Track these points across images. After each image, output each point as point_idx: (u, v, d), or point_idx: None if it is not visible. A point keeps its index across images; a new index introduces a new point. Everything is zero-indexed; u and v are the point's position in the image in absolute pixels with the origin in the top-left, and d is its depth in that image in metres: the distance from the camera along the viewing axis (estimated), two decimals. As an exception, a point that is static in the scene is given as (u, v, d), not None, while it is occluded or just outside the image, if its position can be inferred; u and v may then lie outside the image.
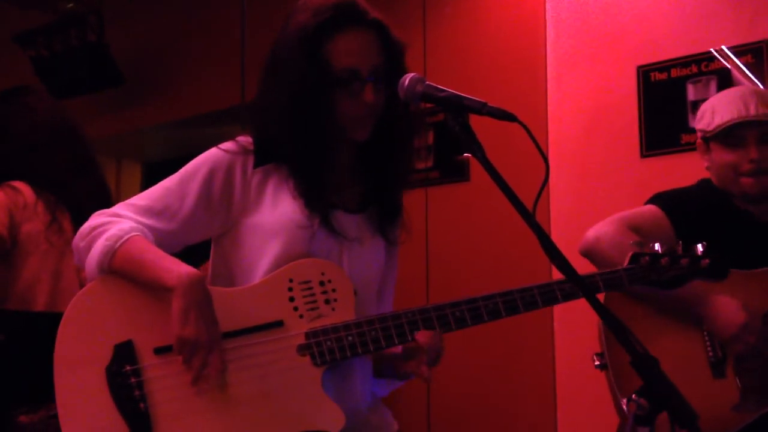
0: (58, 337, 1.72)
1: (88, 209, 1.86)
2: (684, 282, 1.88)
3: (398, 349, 1.85)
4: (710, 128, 2.52)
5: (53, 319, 1.74)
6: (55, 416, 1.71)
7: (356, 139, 1.83)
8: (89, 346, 1.71)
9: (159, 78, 5.73)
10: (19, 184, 2.56)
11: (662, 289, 1.89)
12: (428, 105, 1.68)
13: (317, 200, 1.79)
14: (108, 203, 1.92)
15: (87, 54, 5.38)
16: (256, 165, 1.82)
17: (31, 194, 2.55)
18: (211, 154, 1.83)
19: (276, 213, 1.79)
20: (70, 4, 5.49)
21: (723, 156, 2.52)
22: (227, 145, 1.83)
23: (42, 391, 1.75)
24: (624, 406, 2.23)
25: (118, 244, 1.71)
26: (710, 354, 2.36)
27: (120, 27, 5.55)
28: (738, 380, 2.33)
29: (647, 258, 1.85)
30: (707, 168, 2.60)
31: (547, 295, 1.79)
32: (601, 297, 2.06)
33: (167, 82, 5.70)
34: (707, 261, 1.87)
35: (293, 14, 1.81)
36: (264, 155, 1.82)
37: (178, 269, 1.67)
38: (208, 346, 1.66)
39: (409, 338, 1.75)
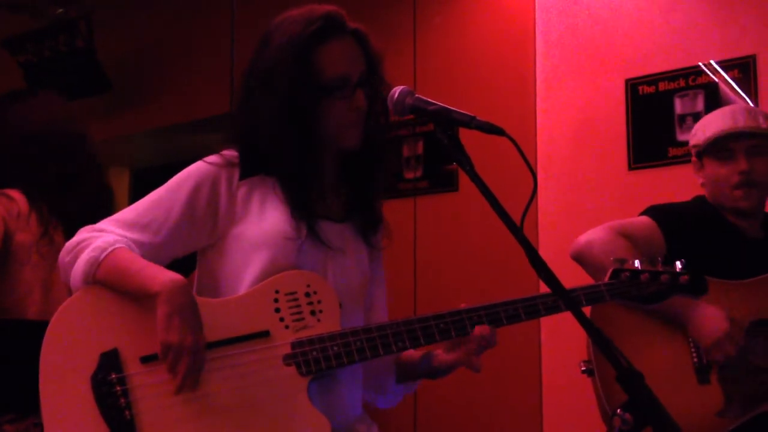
0: (43, 345, 1.71)
1: (82, 222, 1.83)
2: (665, 297, 1.89)
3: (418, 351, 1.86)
4: (701, 142, 2.57)
5: (43, 328, 1.73)
6: (41, 425, 1.70)
7: (346, 148, 1.84)
8: (75, 354, 1.71)
9: (147, 84, 5.73)
10: (14, 193, 2.49)
11: (644, 304, 1.91)
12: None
13: (304, 209, 1.80)
14: (106, 214, 1.87)
15: (75, 60, 5.37)
16: (241, 177, 1.82)
17: (25, 204, 2.48)
18: (196, 167, 1.83)
19: (262, 225, 1.80)
20: (60, 10, 5.48)
21: (715, 170, 2.56)
22: (212, 158, 1.84)
23: (30, 400, 1.73)
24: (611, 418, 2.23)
25: (103, 255, 1.70)
26: (695, 360, 2.38)
27: (109, 33, 5.54)
28: (722, 387, 2.35)
29: (627, 274, 1.87)
30: (702, 185, 2.63)
31: (530, 309, 1.81)
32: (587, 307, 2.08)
33: (156, 88, 5.69)
34: (686, 277, 1.88)
35: (279, 27, 1.82)
36: (249, 167, 1.83)
37: (162, 275, 1.67)
38: (192, 352, 1.65)
39: (394, 349, 1.75)
